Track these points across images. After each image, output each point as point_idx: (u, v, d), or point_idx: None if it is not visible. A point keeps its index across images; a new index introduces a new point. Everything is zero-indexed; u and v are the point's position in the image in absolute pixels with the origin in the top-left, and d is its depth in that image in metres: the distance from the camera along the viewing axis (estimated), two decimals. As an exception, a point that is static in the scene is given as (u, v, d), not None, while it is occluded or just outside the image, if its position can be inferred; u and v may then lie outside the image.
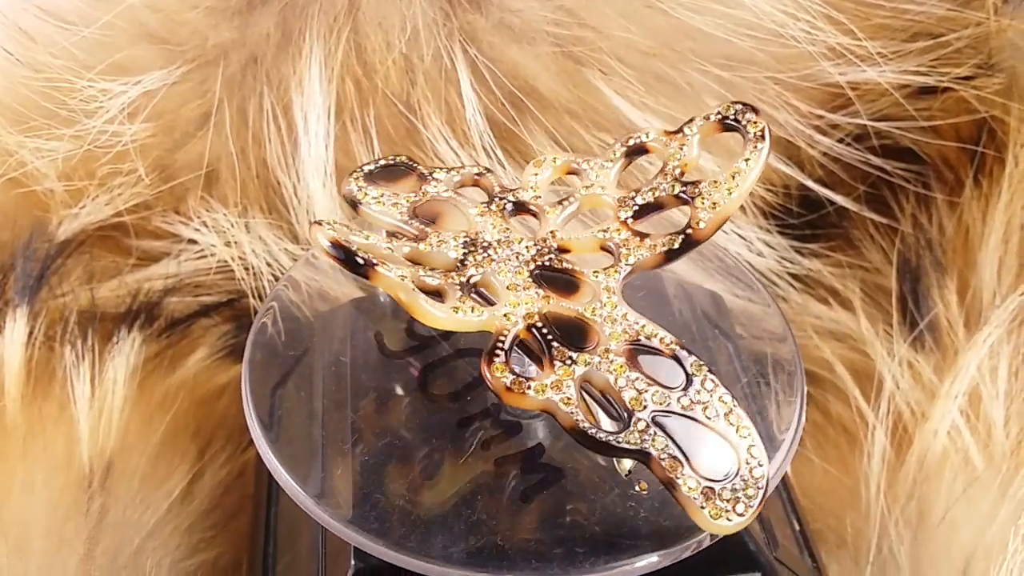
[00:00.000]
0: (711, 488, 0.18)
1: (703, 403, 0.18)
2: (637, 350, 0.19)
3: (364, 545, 0.20)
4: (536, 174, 0.22)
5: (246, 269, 0.30)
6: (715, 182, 0.21)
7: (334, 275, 0.26)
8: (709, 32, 0.29)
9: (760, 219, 0.32)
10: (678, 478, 0.18)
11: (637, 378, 0.18)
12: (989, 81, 0.30)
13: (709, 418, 0.18)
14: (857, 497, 0.28)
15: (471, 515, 0.20)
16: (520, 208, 0.22)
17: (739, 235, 0.31)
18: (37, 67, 0.28)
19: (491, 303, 0.20)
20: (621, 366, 0.19)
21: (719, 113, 0.22)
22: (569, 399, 0.18)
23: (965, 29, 0.30)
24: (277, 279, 0.30)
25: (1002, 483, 0.26)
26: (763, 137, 0.21)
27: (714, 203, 0.21)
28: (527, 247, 0.21)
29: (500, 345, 0.19)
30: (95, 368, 0.28)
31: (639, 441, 0.18)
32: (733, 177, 0.21)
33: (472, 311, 0.20)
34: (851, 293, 0.31)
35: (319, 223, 0.20)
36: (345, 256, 0.20)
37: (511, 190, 0.22)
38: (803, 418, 0.21)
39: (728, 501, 0.18)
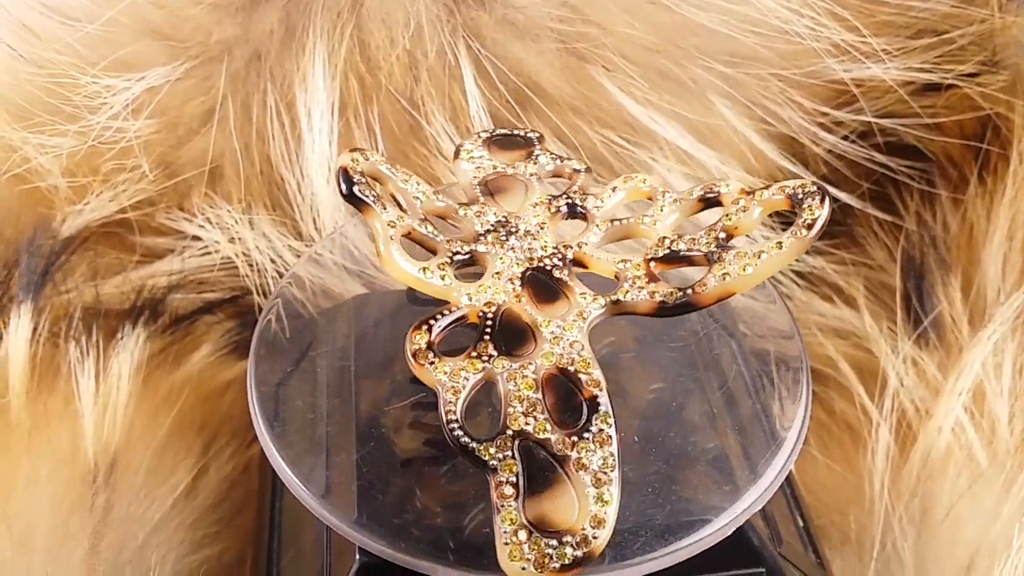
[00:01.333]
0: (528, 532, 0.17)
1: (582, 456, 0.18)
2: (561, 379, 0.19)
3: (368, 545, 0.20)
4: (616, 188, 0.22)
5: (250, 266, 0.30)
6: (741, 253, 0.19)
7: (338, 272, 0.26)
8: (713, 28, 0.29)
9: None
10: (503, 507, 0.17)
11: (536, 401, 0.18)
12: (994, 78, 0.30)
13: (575, 472, 0.18)
14: (861, 494, 0.28)
15: (475, 512, 0.20)
16: (573, 212, 0.22)
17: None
18: (41, 63, 0.28)
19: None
20: (529, 384, 0.18)
21: (791, 188, 0.20)
22: (458, 389, 0.18)
23: (970, 26, 0.30)
24: (281, 276, 0.30)
25: (1006, 480, 0.26)
26: (811, 227, 0.19)
27: (726, 274, 0.19)
28: (543, 246, 0.21)
29: (440, 315, 0.19)
30: (99, 364, 0.28)
31: (491, 456, 0.18)
32: (759, 255, 0.19)
33: (438, 276, 0.20)
34: (855, 290, 0.31)
35: (358, 150, 0.21)
36: (345, 184, 0.20)
37: (586, 194, 0.22)
38: (808, 415, 0.21)
39: (534, 553, 0.17)
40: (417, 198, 0.22)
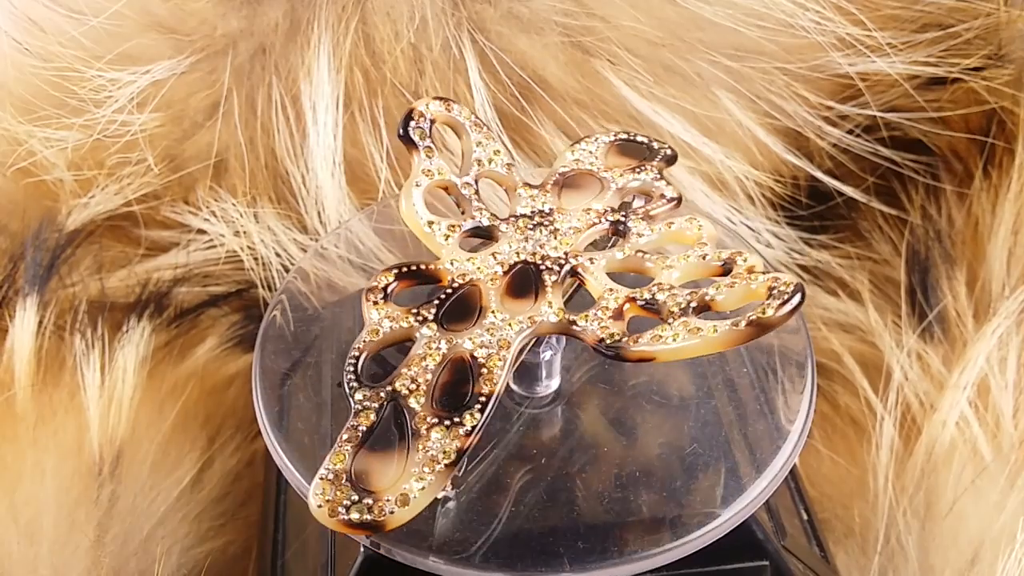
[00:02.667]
0: (344, 478, 0.18)
1: (430, 437, 0.18)
2: (465, 366, 0.19)
3: (372, 544, 0.20)
4: (672, 224, 0.21)
5: (255, 259, 0.30)
6: (686, 323, 0.18)
7: (343, 266, 0.26)
8: (718, 22, 0.29)
9: (769, 210, 0.32)
10: (339, 447, 0.18)
11: (430, 374, 0.19)
12: (999, 72, 0.30)
13: (416, 448, 0.18)
14: (865, 487, 0.28)
15: (479, 510, 0.20)
16: (616, 231, 0.21)
17: (748, 226, 0.31)
18: (46, 57, 0.28)
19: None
20: (435, 357, 0.19)
21: (777, 284, 0.18)
22: (378, 332, 0.19)
23: (975, 20, 0.30)
24: (286, 269, 0.30)
25: (1010, 474, 0.26)
26: (755, 325, 0.18)
27: (659, 337, 0.18)
28: (555, 247, 0.21)
29: (418, 267, 0.20)
30: (105, 357, 0.28)
31: (356, 399, 0.18)
32: (696, 331, 0.18)
33: (442, 235, 0.21)
34: (860, 284, 0.31)
35: (443, 99, 0.22)
36: (402, 124, 0.22)
37: (645, 219, 0.21)
38: (813, 408, 0.21)
39: (333, 497, 0.17)
40: (480, 160, 0.22)
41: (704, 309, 0.19)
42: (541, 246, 0.21)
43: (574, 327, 0.19)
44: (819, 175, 0.31)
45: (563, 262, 0.20)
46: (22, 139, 0.29)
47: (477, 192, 0.22)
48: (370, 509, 0.17)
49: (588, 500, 0.20)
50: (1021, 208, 0.29)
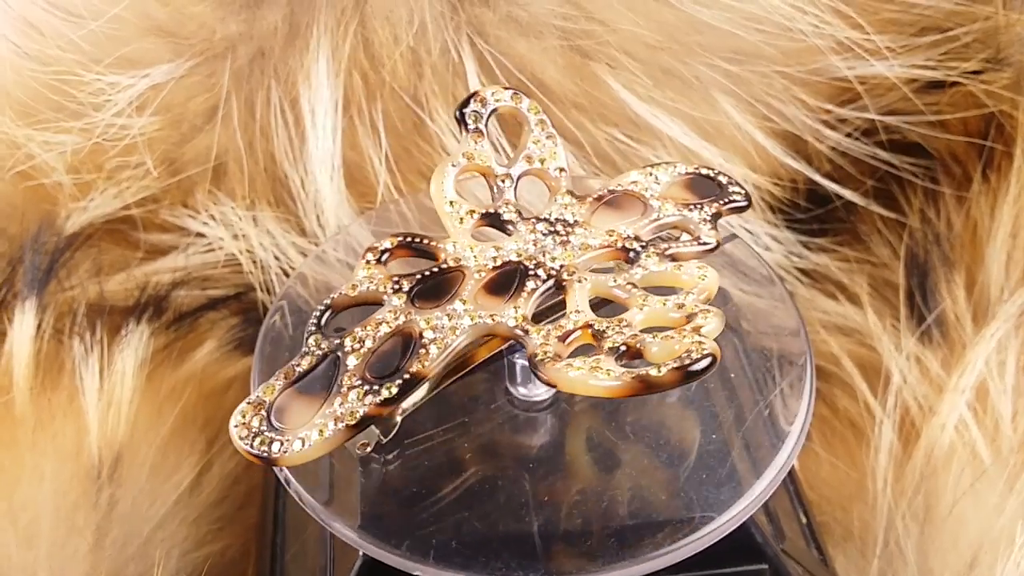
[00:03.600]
0: (263, 408, 0.19)
1: (347, 398, 0.18)
2: (407, 342, 0.19)
3: (373, 552, 0.20)
4: (681, 267, 0.20)
5: (254, 262, 0.30)
6: (593, 359, 0.18)
7: (342, 270, 0.26)
8: (717, 26, 0.29)
9: (768, 214, 0.32)
10: (275, 380, 0.19)
11: (375, 340, 0.19)
12: (998, 76, 0.30)
13: (331, 403, 0.19)
14: (864, 490, 0.28)
15: (478, 515, 0.20)
16: (627, 257, 0.21)
17: (747, 229, 0.31)
18: (45, 60, 0.28)
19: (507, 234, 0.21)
20: (388, 325, 0.19)
21: (697, 344, 0.18)
22: (356, 288, 0.20)
23: (974, 23, 0.30)
24: (285, 272, 0.30)
25: (1009, 477, 0.26)
26: (639, 380, 0.18)
27: (567, 365, 0.18)
28: (554, 259, 0.21)
29: (408, 237, 0.21)
30: (104, 360, 0.28)
31: (307, 342, 0.19)
32: (590, 370, 0.18)
33: (458, 217, 0.21)
34: (859, 288, 0.31)
35: (514, 90, 0.22)
36: (460, 106, 0.22)
37: (665, 257, 0.21)
38: (811, 410, 0.21)
39: (248, 421, 0.18)
40: (531, 158, 0.22)
41: (636, 356, 0.18)
42: (544, 253, 0.21)
43: (524, 336, 0.19)
44: (818, 178, 0.31)
45: (553, 273, 0.20)
46: (21, 143, 0.29)
47: (514, 186, 0.22)
48: (271, 443, 0.18)
49: (585, 504, 0.20)
50: (1020, 212, 0.29)
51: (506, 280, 0.20)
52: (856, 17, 0.29)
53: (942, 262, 0.30)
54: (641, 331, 0.19)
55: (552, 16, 0.29)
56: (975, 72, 0.30)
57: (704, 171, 0.23)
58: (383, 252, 0.21)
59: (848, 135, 0.31)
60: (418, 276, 0.20)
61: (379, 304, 0.20)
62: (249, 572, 0.28)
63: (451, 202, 0.22)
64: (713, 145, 0.30)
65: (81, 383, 0.27)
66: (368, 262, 0.21)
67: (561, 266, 0.21)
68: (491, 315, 0.20)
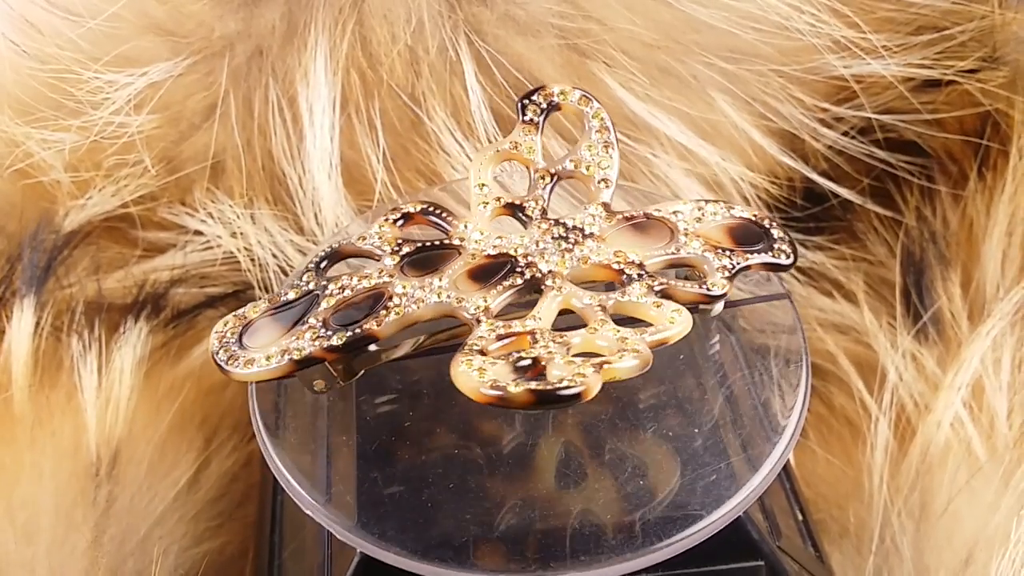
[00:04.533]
0: (239, 324, 0.20)
1: (300, 333, 0.20)
2: (376, 299, 0.20)
3: (370, 550, 0.20)
4: (659, 304, 0.20)
5: (252, 260, 0.30)
6: (483, 362, 0.18)
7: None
8: (714, 24, 0.29)
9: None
10: (256, 305, 0.20)
11: (348, 292, 0.20)
12: (994, 74, 0.30)
13: (292, 338, 0.20)
14: (860, 488, 0.28)
15: (475, 513, 0.20)
16: (621, 280, 0.20)
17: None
18: (44, 58, 0.28)
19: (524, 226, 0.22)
20: (369, 282, 0.20)
21: (578, 375, 0.18)
22: (363, 239, 0.21)
23: (970, 22, 0.30)
24: (283, 270, 0.30)
25: (1005, 474, 0.26)
26: (496, 388, 0.17)
27: (465, 360, 0.18)
28: (550, 263, 0.21)
29: (431, 207, 0.22)
30: (102, 358, 0.28)
31: (302, 279, 0.21)
32: (465, 365, 0.18)
33: (483, 201, 0.22)
34: (855, 286, 0.31)
35: (583, 92, 0.22)
36: (524, 98, 0.22)
37: (658, 287, 0.20)
38: (806, 404, 0.21)
39: (223, 336, 0.20)
40: (578, 161, 0.22)
41: (540, 373, 0.18)
42: (542, 255, 0.21)
43: (475, 325, 0.19)
44: (814, 177, 0.31)
45: (537, 276, 0.20)
46: (19, 140, 0.29)
47: (551, 184, 0.22)
48: (229, 356, 0.19)
49: (580, 499, 0.21)
50: (1015, 210, 0.29)
51: (491, 270, 0.20)
52: (852, 16, 0.29)
53: (938, 260, 0.30)
54: (581, 354, 0.18)
55: (549, 15, 0.29)
56: (971, 71, 0.30)
57: (756, 219, 0.21)
58: (403, 215, 0.22)
59: (844, 133, 0.31)
60: (418, 245, 0.21)
61: (374, 259, 0.21)
62: (247, 569, 0.28)
63: (481, 184, 0.22)
64: (710, 144, 0.30)
65: (79, 381, 0.27)
66: (386, 220, 0.21)
67: (550, 271, 0.20)
68: (459, 298, 0.20)
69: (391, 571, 0.20)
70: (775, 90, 0.30)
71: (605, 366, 0.18)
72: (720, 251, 0.21)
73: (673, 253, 0.21)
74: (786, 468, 0.26)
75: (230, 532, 0.28)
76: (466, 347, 0.19)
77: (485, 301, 0.20)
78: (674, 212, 0.21)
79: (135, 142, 0.29)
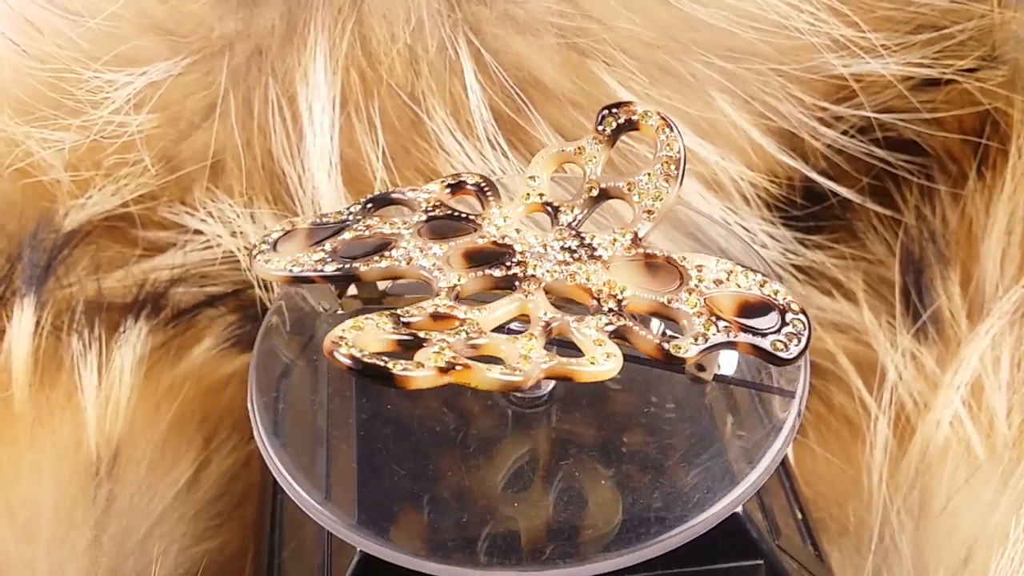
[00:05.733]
0: (275, 240, 0.22)
1: (317, 249, 0.21)
2: (380, 244, 0.21)
3: (371, 548, 0.20)
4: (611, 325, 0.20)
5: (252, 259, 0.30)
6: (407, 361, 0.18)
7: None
8: (713, 23, 0.29)
9: (764, 211, 0.32)
10: (306, 218, 0.22)
11: (367, 233, 0.21)
12: (993, 73, 0.30)
13: (303, 254, 0.21)
14: (859, 486, 0.28)
15: (473, 511, 0.20)
16: (594, 308, 0.20)
17: (743, 227, 0.31)
18: (43, 58, 0.28)
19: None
20: (385, 229, 0.22)
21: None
22: (402, 193, 0.23)
23: (969, 21, 0.30)
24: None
25: (1004, 473, 0.26)
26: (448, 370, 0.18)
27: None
28: (542, 270, 0.21)
29: (484, 183, 0.22)
30: (102, 357, 0.28)
31: (350, 209, 0.22)
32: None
33: (528, 185, 0.22)
34: (854, 285, 0.31)
35: (644, 110, 0.22)
36: (609, 108, 0.22)
37: (615, 327, 0.20)
38: (804, 398, 0.21)
39: (260, 243, 0.22)
40: (632, 184, 0.22)
41: (409, 347, 0.19)
42: (539, 259, 0.21)
43: (435, 294, 0.20)
44: (814, 176, 0.31)
45: (520, 276, 0.20)
46: (19, 140, 0.29)
47: (594, 196, 0.22)
48: (258, 253, 0.22)
49: (579, 495, 0.21)
50: (1015, 208, 0.29)
51: (487, 256, 0.21)
52: (852, 15, 0.29)
53: (937, 259, 0.30)
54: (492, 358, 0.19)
55: (548, 14, 0.29)
56: (970, 70, 0.30)
57: (782, 304, 0.20)
58: (457, 183, 0.22)
59: (844, 132, 0.31)
60: (449, 212, 0.22)
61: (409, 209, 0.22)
62: (247, 569, 0.28)
63: (532, 177, 0.22)
64: (709, 143, 0.30)
65: (79, 380, 0.27)
66: (442, 182, 0.22)
67: (533, 276, 0.20)
68: (441, 268, 0.20)
69: (391, 570, 0.20)
70: (774, 89, 0.30)
71: (458, 368, 0.18)
72: (714, 319, 0.20)
73: (662, 302, 0.20)
74: (786, 467, 0.26)
75: (230, 531, 0.28)
76: (397, 309, 0.19)
77: (459, 280, 0.20)
78: (698, 267, 0.20)
79: (135, 141, 0.29)
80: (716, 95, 0.30)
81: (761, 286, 0.20)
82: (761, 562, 0.21)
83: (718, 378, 0.20)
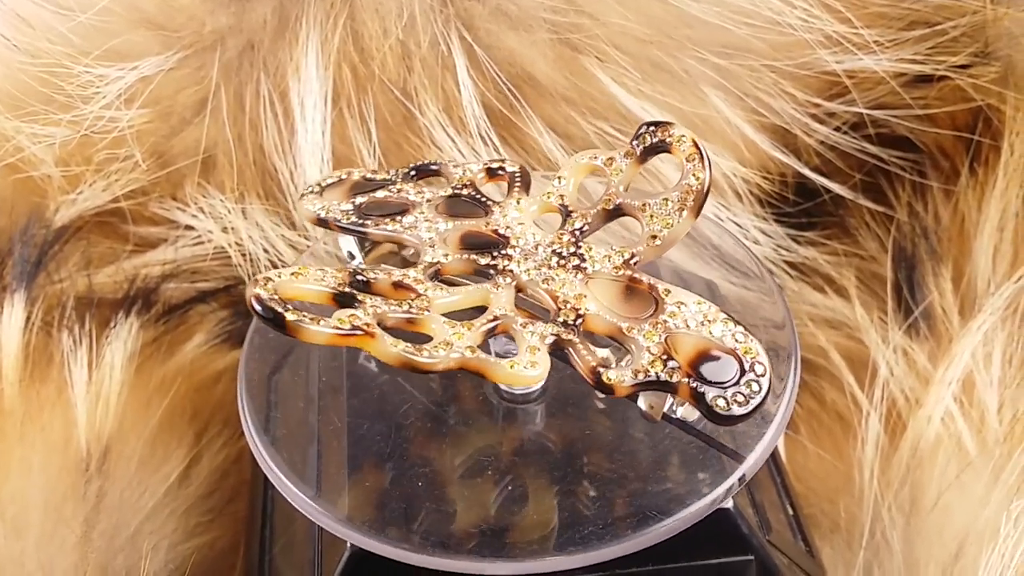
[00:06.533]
0: (324, 186, 0.24)
1: (335, 205, 0.23)
2: (395, 206, 0.22)
3: (361, 541, 0.20)
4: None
5: (243, 255, 0.30)
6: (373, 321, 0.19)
7: (335, 264, 0.26)
8: (706, 20, 0.29)
9: (756, 207, 0.32)
10: (362, 170, 0.24)
11: (392, 198, 0.23)
12: (985, 69, 0.30)
13: (335, 201, 0.23)
14: (851, 482, 0.28)
15: (463, 505, 0.20)
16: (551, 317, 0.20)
17: (736, 223, 0.31)
18: (34, 53, 0.28)
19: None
20: (409, 194, 0.23)
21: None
22: (456, 167, 0.24)
23: (962, 18, 0.30)
24: (274, 265, 0.30)
25: (995, 468, 0.26)
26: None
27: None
28: (521, 266, 0.21)
29: (518, 175, 0.23)
30: (92, 353, 0.28)
31: (394, 171, 0.24)
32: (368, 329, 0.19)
33: (553, 184, 0.22)
34: (847, 281, 0.31)
35: (699, 154, 0.21)
36: (649, 126, 0.22)
37: (555, 337, 0.20)
38: (795, 392, 0.21)
39: (312, 184, 0.24)
40: (645, 208, 0.21)
41: (354, 333, 0.19)
42: (526, 256, 0.21)
43: (402, 268, 0.21)
44: (806, 172, 0.31)
45: (496, 266, 0.21)
46: (10, 135, 0.29)
47: (606, 212, 0.21)
48: (305, 196, 0.23)
49: (571, 487, 0.21)
50: (1007, 205, 0.29)
51: (481, 242, 0.21)
52: (844, 11, 0.29)
53: (929, 255, 0.30)
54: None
55: (541, 9, 0.29)
56: (963, 66, 0.30)
57: (746, 362, 0.19)
58: (498, 168, 0.23)
59: (836, 129, 0.31)
60: (469, 194, 0.23)
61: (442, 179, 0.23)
62: (238, 565, 0.28)
63: (559, 177, 0.22)
64: (702, 139, 0.30)
65: (70, 376, 0.27)
66: (483, 166, 0.23)
67: (510, 271, 0.21)
68: (432, 244, 0.21)
69: (381, 565, 0.20)
70: (767, 85, 0.30)
71: (360, 333, 0.18)
72: (664, 358, 0.19)
73: (620, 327, 0.19)
74: (777, 463, 0.26)
75: (221, 527, 0.28)
76: (361, 276, 0.20)
77: (445, 258, 0.21)
78: (679, 303, 0.20)
79: (126, 137, 0.29)
80: (709, 91, 0.30)
81: (738, 337, 0.19)
82: (752, 558, 0.21)
83: (667, 418, 0.20)
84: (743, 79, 0.30)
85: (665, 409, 0.19)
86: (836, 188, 0.32)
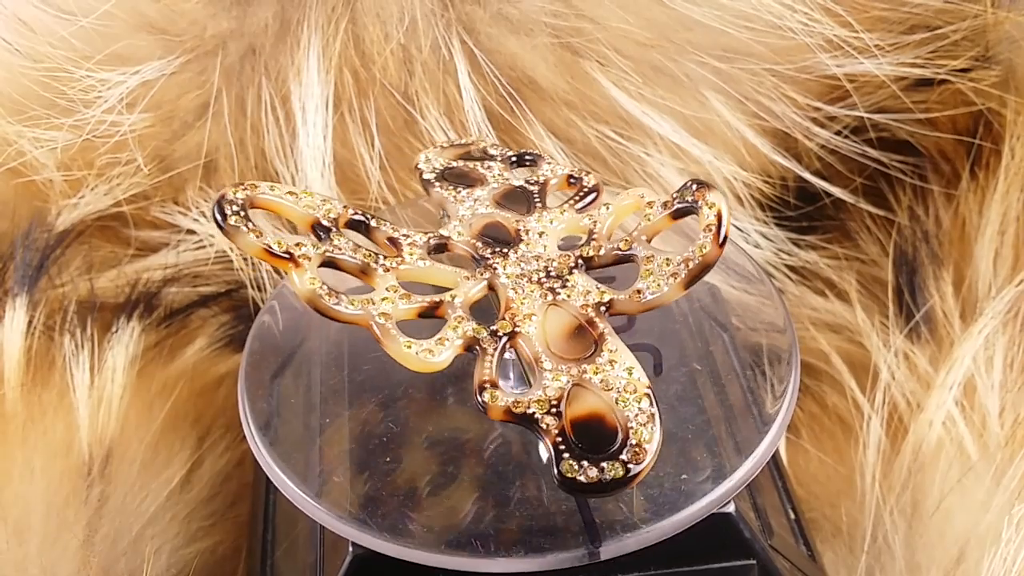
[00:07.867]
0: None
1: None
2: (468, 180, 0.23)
3: (364, 540, 0.20)
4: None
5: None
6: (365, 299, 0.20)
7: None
8: (707, 23, 0.29)
9: (757, 211, 0.32)
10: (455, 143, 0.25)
11: (437, 168, 0.24)
12: (986, 73, 0.30)
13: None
14: (852, 486, 0.28)
15: (464, 505, 0.20)
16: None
17: (736, 227, 0.31)
18: (36, 57, 0.28)
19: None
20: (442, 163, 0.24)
21: None
22: (482, 154, 0.25)
23: (963, 22, 0.30)
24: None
25: (996, 472, 0.26)
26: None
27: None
28: (514, 272, 0.21)
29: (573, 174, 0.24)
30: (94, 357, 0.28)
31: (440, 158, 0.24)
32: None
33: (602, 210, 0.22)
34: (848, 285, 0.31)
35: (704, 187, 0.21)
36: (684, 192, 0.21)
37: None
38: (795, 393, 0.21)
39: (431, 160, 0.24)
40: (650, 260, 0.21)
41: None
42: (519, 262, 0.21)
43: (401, 238, 0.21)
44: (807, 176, 0.31)
45: (485, 262, 0.21)
46: (12, 139, 0.29)
47: (620, 254, 0.21)
48: (429, 151, 0.24)
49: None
50: (1007, 209, 0.29)
51: (497, 234, 0.22)
52: (845, 15, 0.29)
53: (930, 259, 0.30)
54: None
55: (542, 13, 0.29)
56: (964, 70, 0.30)
57: (628, 440, 0.18)
58: (576, 178, 0.23)
59: (837, 133, 0.31)
60: (533, 192, 0.23)
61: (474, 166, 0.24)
62: (240, 569, 0.28)
63: (606, 205, 0.22)
64: (703, 143, 0.30)
65: (72, 380, 0.27)
66: (569, 171, 0.23)
67: (494, 268, 0.21)
68: (458, 221, 0.22)
69: (383, 569, 0.20)
70: (768, 89, 0.30)
71: (288, 259, 0.20)
72: (554, 404, 0.18)
73: (536, 359, 0.19)
74: (779, 466, 0.26)
75: (223, 531, 0.28)
76: (369, 217, 0.21)
77: (456, 236, 0.22)
78: (611, 361, 0.19)
79: (127, 141, 0.29)
80: (710, 95, 0.30)
81: (640, 420, 0.18)
82: (754, 562, 0.21)
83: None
84: (744, 83, 0.30)
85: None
86: (837, 192, 0.32)
